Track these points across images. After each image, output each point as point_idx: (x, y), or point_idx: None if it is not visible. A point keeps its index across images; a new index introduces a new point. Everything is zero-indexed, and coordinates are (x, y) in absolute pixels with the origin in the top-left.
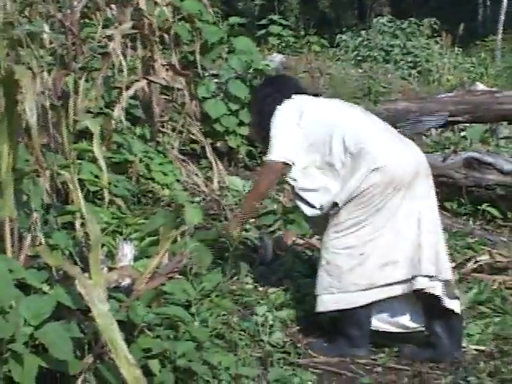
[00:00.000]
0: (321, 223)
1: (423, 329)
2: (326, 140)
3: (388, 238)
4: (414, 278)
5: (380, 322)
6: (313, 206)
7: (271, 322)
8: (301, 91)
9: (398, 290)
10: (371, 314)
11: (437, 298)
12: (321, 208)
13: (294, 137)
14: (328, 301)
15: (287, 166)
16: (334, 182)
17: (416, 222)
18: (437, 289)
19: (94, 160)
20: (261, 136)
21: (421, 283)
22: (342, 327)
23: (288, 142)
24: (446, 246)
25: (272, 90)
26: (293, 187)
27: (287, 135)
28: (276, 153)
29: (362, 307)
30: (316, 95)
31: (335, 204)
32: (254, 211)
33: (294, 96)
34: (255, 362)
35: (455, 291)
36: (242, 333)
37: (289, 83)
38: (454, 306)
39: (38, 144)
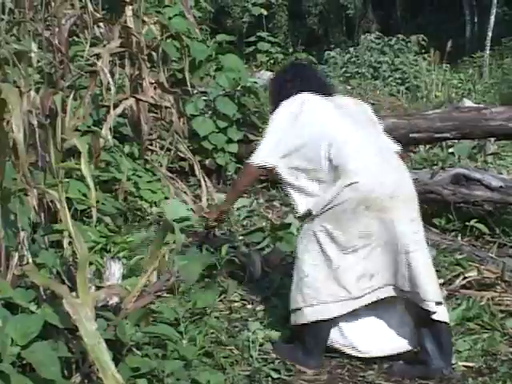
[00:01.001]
0: None
1: (412, 349)
2: (314, 146)
3: (364, 252)
4: (389, 285)
5: (370, 347)
6: (298, 209)
7: (260, 340)
8: (319, 83)
9: (373, 298)
10: (331, 327)
11: (424, 311)
12: (302, 210)
13: (284, 138)
14: (308, 313)
15: (268, 169)
16: (316, 188)
17: (393, 243)
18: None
19: (81, 178)
20: None
21: (390, 292)
22: (301, 335)
23: (276, 145)
24: (431, 269)
25: (293, 76)
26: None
27: (278, 137)
28: (260, 156)
29: (324, 320)
30: (330, 91)
31: (309, 212)
32: (232, 205)
33: (304, 92)
34: (244, 380)
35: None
36: (231, 351)
37: (311, 73)
38: (441, 316)
39: (26, 162)
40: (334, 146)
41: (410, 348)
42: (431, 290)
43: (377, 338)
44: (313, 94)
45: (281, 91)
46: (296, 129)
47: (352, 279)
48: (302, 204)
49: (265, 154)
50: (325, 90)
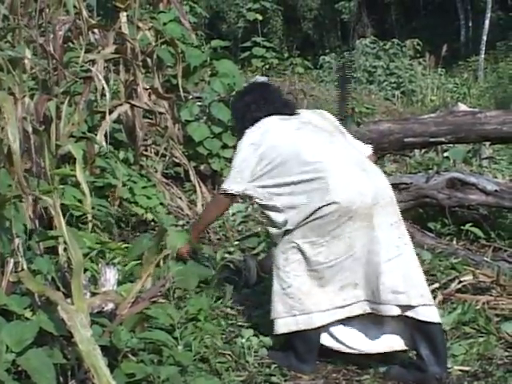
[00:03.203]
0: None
1: (406, 348)
2: (286, 168)
3: (346, 264)
4: (372, 302)
5: (365, 346)
6: (275, 225)
7: (256, 346)
8: (282, 102)
9: (357, 310)
10: (320, 334)
11: (415, 319)
12: (281, 225)
13: (249, 166)
14: (289, 323)
15: (237, 196)
16: (294, 203)
17: (374, 251)
18: (425, 314)
19: (76, 184)
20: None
21: (380, 310)
22: (292, 342)
23: (241, 173)
24: (419, 271)
25: (257, 97)
26: (259, 205)
27: (242, 166)
28: (227, 184)
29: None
30: (293, 109)
31: (287, 225)
32: (201, 237)
33: (269, 111)
34: None
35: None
36: (226, 356)
37: (274, 93)
38: (432, 317)
39: (21, 169)
40: (307, 164)
41: (405, 347)
42: (414, 295)
43: (371, 337)
44: (277, 113)
45: (245, 114)
46: (261, 157)
47: (335, 289)
48: (279, 220)
49: (231, 182)
50: (288, 108)
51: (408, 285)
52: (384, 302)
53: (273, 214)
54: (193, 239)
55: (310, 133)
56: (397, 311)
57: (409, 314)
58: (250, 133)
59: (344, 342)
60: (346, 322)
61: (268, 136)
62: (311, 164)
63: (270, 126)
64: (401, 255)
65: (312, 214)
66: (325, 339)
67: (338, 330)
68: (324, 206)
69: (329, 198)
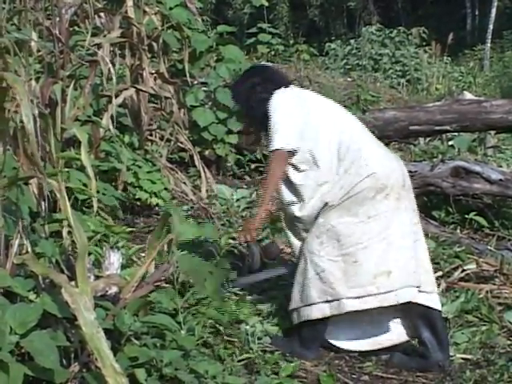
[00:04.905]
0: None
1: (408, 339)
2: (323, 133)
3: (381, 247)
4: (405, 288)
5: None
6: (302, 200)
7: (259, 333)
8: (290, 82)
9: (389, 301)
10: (328, 323)
11: (420, 305)
12: (311, 206)
13: (297, 122)
14: (323, 308)
15: (292, 153)
16: (324, 178)
17: (411, 234)
18: (428, 301)
19: (81, 168)
20: (248, 126)
21: (411, 295)
22: (297, 327)
23: (291, 128)
24: (429, 258)
25: (262, 79)
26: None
27: (290, 120)
28: (281, 140)
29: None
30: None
31: (325, 204)
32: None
33: (287, 86)
34: (242, 371)
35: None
36: (229, 342)
37: (277, 73)
38: (434, 303)
39: (36, 150)
40: (345, 134)
41: (406, 338)
42: (430, 282)
43: (372, 332)
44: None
45: (250, 96)
46: (306, 114)
47: (369, 276)
48: (313, 199)
49: (286, 138)
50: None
51: (423, 271)
52: (417, 283)
53: (308, 191)
54: (263, 212)
55: (334, 104)
56: (416, 297)
57: (418, 300)
58: (282, 93)
59: (348, 339)
60: (352, 316)
61: (304, 96)
62: (348, 138)
63: (297, 90)
64: (418, 241)
65: (349, 190)
66: (329, 335)
67: (341, 325)
68: (362, 180)
69: (368, 173)
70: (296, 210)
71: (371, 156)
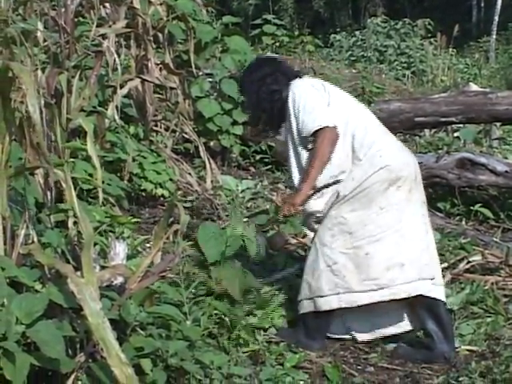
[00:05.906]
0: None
1: (412, 329)
2: (339, 124)
3: (393, 239)
4: (419, 281)
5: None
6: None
7: (265, 324)
8: (295, 72)
9: (401, 294)
10: (334, 314)
11: (425, 297)
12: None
13: (325, 104)
14: (333, 301)
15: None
16: (340, 169)
17: (422, 226)
18: (433, 292)
19: (87, 158)
20: (256, 118)
21: (424, 288)
22: (303, 317)
23: (326, 108)
24: (436, 251)
25: (272, 70)
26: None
27: (322, 101)
28: (323, 119)
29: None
30: None
31: (337, 195)
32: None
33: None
34: (247, 362)
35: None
36: (235, 333)
37: (284, 64)
38: (438, 294)
39: (42, 141)
40: (361, 125)
41: (411, 328)
42: (439, 274)
43: (377, 322)
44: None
45: (261, 87)
46: (329, 102)
47: (381, 268)
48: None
49: (323, 116)
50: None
51: (438, 265)
52: (430, 276)
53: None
54: (308, 189)
55: (349, 96)
56: (431, 291)
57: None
58: (301, 81)
59: (352, 331)
60: (355, 309)
61: (322, 85)
62: (364, 129)
63: (314, 80)
64: (428, 233)
65: (362, 182)
66: (334, 327)
67: (346, 317)
68: (376, 172)
69: (382, 164)
70: (311, 202)
71: (385, 148)
